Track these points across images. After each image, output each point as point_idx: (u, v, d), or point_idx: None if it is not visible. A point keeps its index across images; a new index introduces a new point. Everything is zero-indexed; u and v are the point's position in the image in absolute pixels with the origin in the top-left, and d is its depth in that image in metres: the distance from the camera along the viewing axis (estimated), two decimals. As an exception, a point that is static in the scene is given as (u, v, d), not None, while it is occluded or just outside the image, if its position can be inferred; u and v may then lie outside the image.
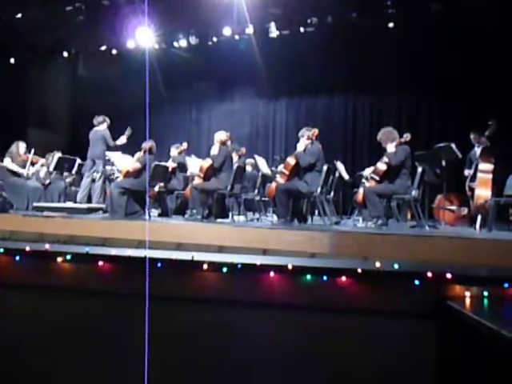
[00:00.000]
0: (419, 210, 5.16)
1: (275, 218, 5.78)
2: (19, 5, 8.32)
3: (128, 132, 6.69)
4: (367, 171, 5.70)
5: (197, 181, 5.98)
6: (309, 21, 8.50)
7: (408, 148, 5.10)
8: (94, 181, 6.72)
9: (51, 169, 7.12)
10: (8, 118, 9.45)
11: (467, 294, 2.66)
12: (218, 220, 5.65)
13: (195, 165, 6.33)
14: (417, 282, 2.65)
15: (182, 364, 3.07)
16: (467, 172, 5.91)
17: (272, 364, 2.88)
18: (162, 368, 2.95)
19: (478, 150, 5.71)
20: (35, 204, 6.33)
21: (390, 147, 5.14)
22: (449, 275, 2.62)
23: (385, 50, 8.41)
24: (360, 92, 9.53)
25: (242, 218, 6.30)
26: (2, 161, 6.76)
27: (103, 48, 9.67)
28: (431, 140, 7.78)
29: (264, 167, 6.57)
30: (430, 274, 2.63)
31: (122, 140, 6.69)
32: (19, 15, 8.48)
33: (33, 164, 6.94)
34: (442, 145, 5.69)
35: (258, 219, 6.26)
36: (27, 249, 3.42)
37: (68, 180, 7.57)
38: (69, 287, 3.33)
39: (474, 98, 7.63)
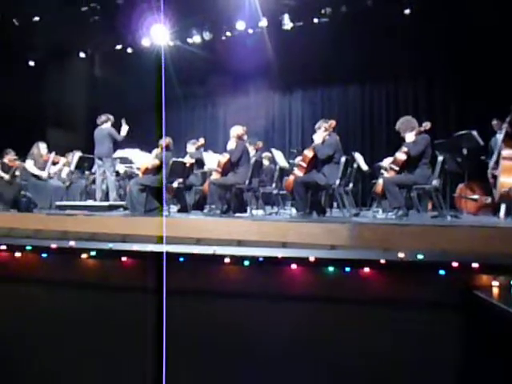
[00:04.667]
0: (440, 199, 5.08)
1: (294, 211, 5.76)
2: (36, 8, 8.46)
3: (125, 126, 6.71)
4: (386, 162, 5.63)
5: (214, 176, 6.00)
6: (323, 11, 8.41)
7: (428, 137, 5.01)
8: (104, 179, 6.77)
9: (72, 168, 7.24)
10: (28, 119, 9.65)
11: (494, 283, 2.61)
12: (237, 214, 5.66)
13: (213, 160, 6.35)
14: (442, 272, 2.61)
15: (205, 358, 3.10)
16: (492, 164, 5.73)
17: (297, 355, 2.89)
18: (182, 361, 2.98)
19: (499, 137, 5.58)
20: (58, 203, 6.45)
21: (409, 136, 5.06)
22: (475, 265, 2.57)
23: (401, 37, 8.27)
24: (376, 81, 9.39)
25: (260, 211, 6.29)
26: (24, 161, 6.89)
27: (118, 47, 9.77)
28: (450, 128, 7.64)
29: (281, 160, 6.54)
30: (455, 264, 2.59)
31: (125, 128, 6.70)
32: (37, 18, 8.62)
33: (54, 164, 7.05)
34: (462, 133, 5.58)
35: (276, 213, 6.25)
36: (53, 246, 3.50)
37: (88, 178, 7.68)
38: (93, 283, 3.40)
39: (494, 83, 7.44)
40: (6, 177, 6.71)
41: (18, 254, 3.60)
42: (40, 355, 3.45)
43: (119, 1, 8.21)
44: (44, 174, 6.76)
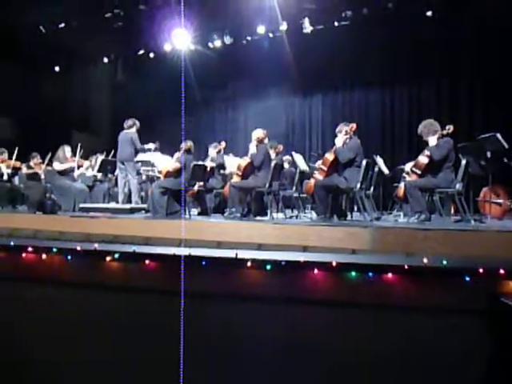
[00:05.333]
0: (464, 203, 4.99)
1: (314, 214, 5.74)
2: (62, 15, 8.69)
3: (154, 145, 6.93)
4: (408, 166, 5.57)
5: (235, 179, 6.04)
6: (343, 14, 8.38)
7: (451, 140, 4.94)
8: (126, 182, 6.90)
9: (95, 171, 7.39)
10: (53, 123, 9.89)
11: (521, 290, 2.56)
12: (257, 218, 5.68)
13: (233, 163, 6.38)
14: (467, 278, 2.57)
15: (225, 360, 3.11)
16: None
17: (318, 360, 2.88)
18: (201, 364, 3.00)
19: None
20: (81, 205, 6.58)
21: (432, 140, 5.00)
22: (502, 271, 2.52)
23: (423, 40, 8.17)
24: (397, 84, 9.29)
25: (280, 215, 6.29)
26: (50, 165, 7.08)
27: (141, 52, 9.94)
28: (474, 130, 7.51)
29: (301, 164, 6.54)
30: (481, 270, 2.54)
31: (150, 146, 6.86)
32: (62, 25, 8.85)
33: (78, 167, 7.22)
34: (486, 135, 5.47)
35: (296, 216, 6.24)
36: (78, 248, 3.57)
37: (111, 181, 7.82)
38: (118, 285, 3.45)
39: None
40: (39, 171, 6.99)
41: (44, 256, 3.69)
42: (62, 357, 3.52)
43: (142, 7, 8.36)
44: (72, 165, 6.93)
